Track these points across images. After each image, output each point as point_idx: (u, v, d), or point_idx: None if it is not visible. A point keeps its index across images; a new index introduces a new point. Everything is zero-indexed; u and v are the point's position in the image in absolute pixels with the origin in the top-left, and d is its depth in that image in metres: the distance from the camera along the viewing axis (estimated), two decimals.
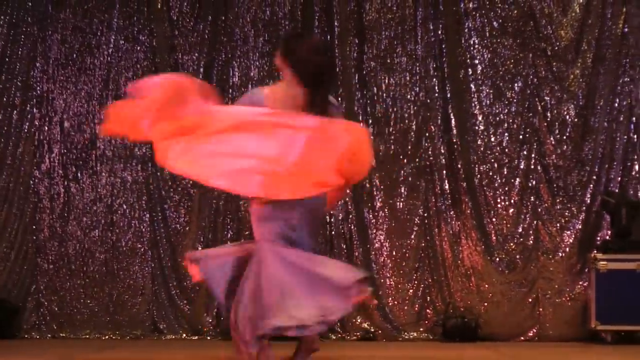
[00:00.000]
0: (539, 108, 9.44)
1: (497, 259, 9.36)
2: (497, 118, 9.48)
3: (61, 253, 9.57)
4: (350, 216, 9.40)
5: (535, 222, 9.37)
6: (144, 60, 9.67)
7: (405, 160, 9.48)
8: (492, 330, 9.19)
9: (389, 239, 9.40)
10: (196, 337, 9.40)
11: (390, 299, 9.37)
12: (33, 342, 9.29)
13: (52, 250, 9.59)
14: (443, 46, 9.52)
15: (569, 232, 9.33)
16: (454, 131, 9.45)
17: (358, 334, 9.28)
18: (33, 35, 9.67)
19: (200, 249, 9.53)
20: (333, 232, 9.41)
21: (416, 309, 9.37)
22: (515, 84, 9.48)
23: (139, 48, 9.68)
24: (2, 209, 9.64)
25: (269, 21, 9.61)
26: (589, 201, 9.38)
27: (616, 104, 9.39)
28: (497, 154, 9.46)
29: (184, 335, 9.45)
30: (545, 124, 9.42)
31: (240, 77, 9.62)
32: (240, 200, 9.24)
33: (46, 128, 9.67)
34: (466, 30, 9.50)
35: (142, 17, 9.69)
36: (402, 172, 9.46)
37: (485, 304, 9.28)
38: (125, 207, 9.63)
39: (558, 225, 9.35)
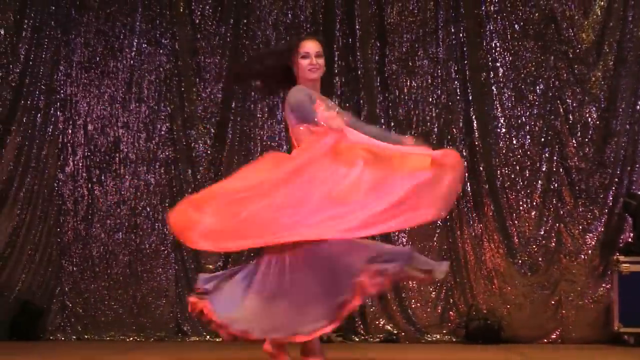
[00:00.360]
0: (561, 110, 9.43)
1: (520, 261, 9.34)
2: (519, 120, 9.46)
3: (85, 255, 9.58)
4: None
5: (557, 224, 9.36)
6: (166, 63, 9.68)
7: None
8: (515, 332, 9.16)
9: (411, 241, 9.36)
10: (220, 339, 9.31)
11: (413, 301, 9.37)
12: (57, 343, 9.30)
13: (76, 253, 9.60)
14: (464, 49, 9.51)
15: (591, 235, 9.31)
16: (476, 134, 9.43)
17: (381, 335, 9.28)
18: (56, 38, 9.68)
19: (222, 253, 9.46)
20: None
21: (439, 311, 9.36)
22: (537, 87, 9.46)
23: (161, 51, 9.68)
24: (27, 212, 9.63)
25: (290, 24, 9.60)
26: (611, 203, 9.35)
27: (638, 107, 9.38)
28: (519, 156, 9.44)
29: (208, 337, 9.44)
30: (567, 126, 9.41)
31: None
32: None
33: (70, 131, 9.69)
34: (487, 33, 9.49)
35: (164, 20, 9.68)
36: None
37: (508, 306, 9.26)
38: (148, 209, 9.63)
39: (580, 227, 9.34)
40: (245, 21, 9.63)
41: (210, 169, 9.59)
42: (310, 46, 5.58)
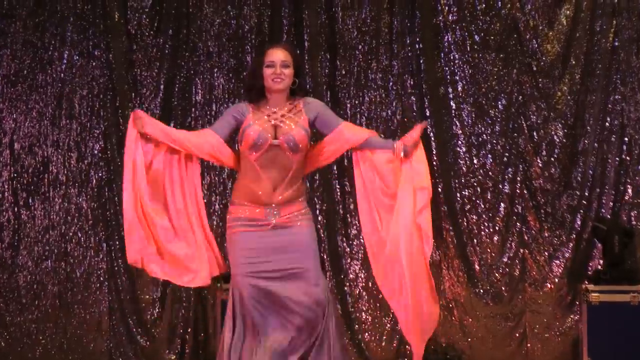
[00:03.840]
0: (525, 128, 9.17)
1: (481, 291, 9.13)
2: (480, 138, 9.24)
3: (11, 285, 9.20)
4: (323, 245, 9.09)
5: (521, 250, 9.14)
6: (100, 76, 9.30)
7: None
8: None
9: (364, 270, 9.10)
10: None
11: (366, 334, 9.10)
12: None
13: (1, 283, 9.23)
14: (421, 62, 9.25)
15: (557, 262, 9.12)
16: (434, 153, 9.20)
17: None
18: None
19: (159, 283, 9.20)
20: None
21: (394, 345, 9.06)
22: (499, 102, 9.22)
23: (94, 64, 9.31)
24: None
25: (234, 35, 9.29)
26: (579, 228, 9.13)
27: (607, 123, 9.13)
28: (480, 177, 9.21)
29: None
30: (532, 145, 9.16)
31: (204, 95, 9.30)
32: None
33: None
34: (446, 45, 9.24)
35: (97, 30, 9.30)
36: None
37: (469, 339, 9.04)
38: (80, 235, 9.24)
39: (546, 254, 9.13)
40: (185, 32, 9.31)
41: None
42: (276, 54, 5.47)
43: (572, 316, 8.99)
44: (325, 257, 9.10)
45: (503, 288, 9.09)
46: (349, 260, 9.14)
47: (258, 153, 5.39)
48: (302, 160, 5.47)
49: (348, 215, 9.14)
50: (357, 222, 9.01)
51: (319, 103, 5.61)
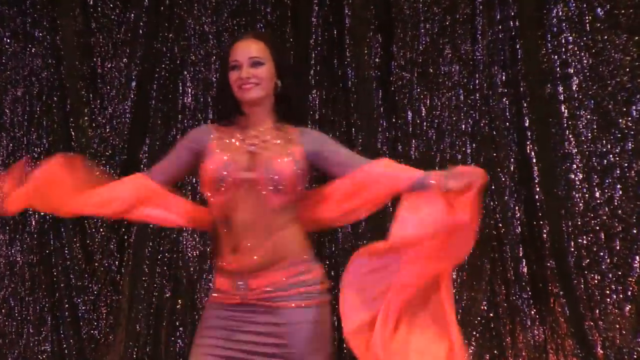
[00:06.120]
0: None
1: None
2: (605, 161, 7.54)
3: None
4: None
5: None
6: (42, 69, 7.80)
7: None
8: None
9: None
10: None
11: None
12: None
13: None
14: (517, 47, 7.57)
15: None
16: (536, 181, 7.51)
17: None
18: None
19: None
20: None
21: None
22: (633, 107, 7.53)
23: (34, 50, 7.80)
24: None
25: (240, 8, 7.73)
26: None
27: None
28: (605, 218, 7.52)
29: None
30: None
31: (196, 96, 7.74)
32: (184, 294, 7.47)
33: None
34: (554, 22, 7.51)
35: (39, 1, 7.80)
36: None
37: None
38: (13, 303, 7.72)
39: None
40: (167, 3, 7.75)
41: (113, 237, 7.73)
42: (241, 50, 4.49)
43: None
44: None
45: None
46: None
47: (223, 193, 4.37)
48: (292, 207, 4.42)
49: None
50: None
51: (323, 135, 4.65)
